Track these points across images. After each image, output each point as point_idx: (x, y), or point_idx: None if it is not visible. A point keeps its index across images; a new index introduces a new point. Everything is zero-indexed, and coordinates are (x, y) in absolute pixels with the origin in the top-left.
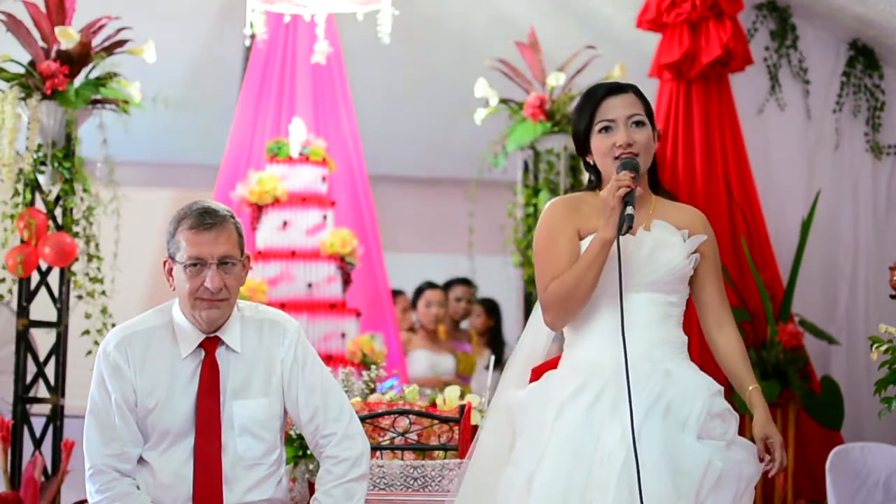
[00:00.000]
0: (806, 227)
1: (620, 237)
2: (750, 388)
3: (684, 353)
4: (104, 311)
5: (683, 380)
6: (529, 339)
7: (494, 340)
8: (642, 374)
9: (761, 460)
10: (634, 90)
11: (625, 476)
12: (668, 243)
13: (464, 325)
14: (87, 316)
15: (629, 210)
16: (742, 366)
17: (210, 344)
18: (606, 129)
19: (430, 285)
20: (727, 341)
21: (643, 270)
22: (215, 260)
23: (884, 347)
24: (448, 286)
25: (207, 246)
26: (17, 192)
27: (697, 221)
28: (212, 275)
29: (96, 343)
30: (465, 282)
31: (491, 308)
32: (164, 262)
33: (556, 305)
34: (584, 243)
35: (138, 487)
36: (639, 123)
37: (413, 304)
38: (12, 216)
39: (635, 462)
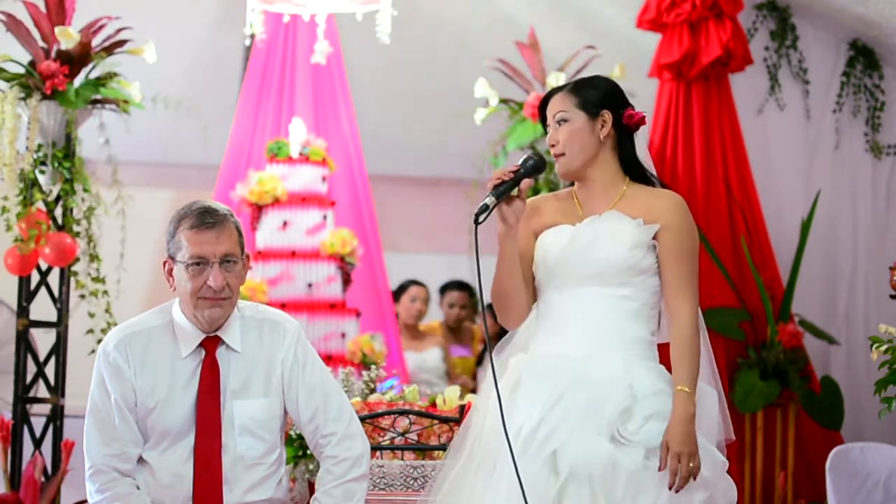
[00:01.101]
0: (806, 227)
1: (478, 225)
2: (678, 388)
3: (636, 349)
4: (108, 310)
5: (601, 378)
6: (522, 331)
7: None
8: (566, 375)
9: (660, 469)
10: (572, 87)
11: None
12: (614, 234)
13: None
14: (91, 315)
15: (487, 200)
16: (678, 364)
17: (210, 343)
18: (547, 131)
19: (414, 282)
20: (672, 337)
21: (578, 263)
22: (217, 258)
23: (884, 347)
24: (444, 290)
25: (209, 245)
26: (19, 192)
27: (660, 207)
28: (214, 273)
29: (100, 342)
30: (462, 286)
31: None
32: (164, 263)
33: (494, 303)
34: (541, 240)
35: (138, 487)
36: (561, 121)
37: (395, 299)
38: (17, 214)
39: (513, 461)
